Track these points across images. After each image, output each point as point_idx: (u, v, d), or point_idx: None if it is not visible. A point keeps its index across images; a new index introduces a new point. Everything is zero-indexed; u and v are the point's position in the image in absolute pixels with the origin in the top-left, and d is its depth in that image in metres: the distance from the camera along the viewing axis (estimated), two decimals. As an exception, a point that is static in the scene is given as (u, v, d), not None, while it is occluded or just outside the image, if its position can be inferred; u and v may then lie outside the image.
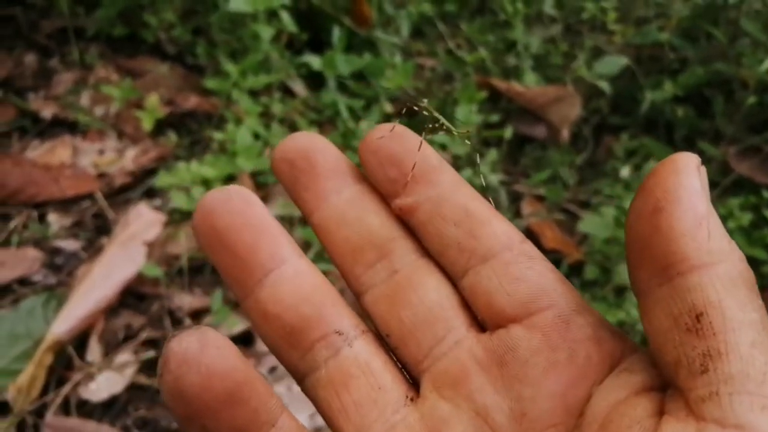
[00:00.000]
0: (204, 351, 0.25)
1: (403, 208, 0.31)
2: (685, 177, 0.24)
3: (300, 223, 1.19)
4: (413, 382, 0.31)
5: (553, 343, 0.28)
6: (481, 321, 0.30)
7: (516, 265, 0.29)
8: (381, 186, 0.32)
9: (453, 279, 0.31)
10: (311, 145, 0.33)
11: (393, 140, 0.32)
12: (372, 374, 0.29)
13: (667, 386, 0.25)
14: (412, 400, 0.29)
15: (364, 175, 0.33)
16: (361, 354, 0.30)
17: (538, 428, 0.27)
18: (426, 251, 0.32)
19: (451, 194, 0.31)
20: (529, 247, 0.30)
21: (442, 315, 0.30)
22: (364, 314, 0.32)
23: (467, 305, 0.31)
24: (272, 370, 1.00)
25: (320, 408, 0.29)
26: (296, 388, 0.98)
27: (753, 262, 1.13)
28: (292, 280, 0.30)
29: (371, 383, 0.29)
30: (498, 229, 0.30)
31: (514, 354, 0.28)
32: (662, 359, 0.25)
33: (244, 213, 0.30)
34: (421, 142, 0.33)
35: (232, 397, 0.25)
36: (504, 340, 0.29)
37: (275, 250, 0.30)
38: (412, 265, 0.31)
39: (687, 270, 0.24)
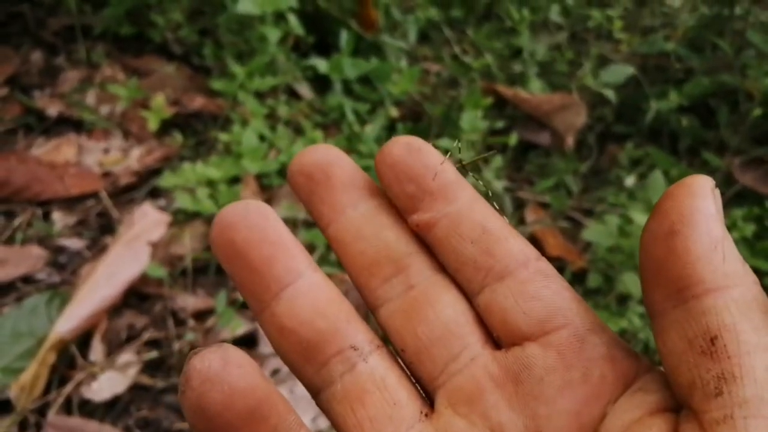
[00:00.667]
0: (226, 369, 0.25)
1: (420, 224, 0.32)
2: (701, 200, 0.25)
3: (303, 225, 1.20)
4: (428, 398, 0.31)
5: (568, 362, 0.28)
6: (496, 338, 0.31)
7: (532, 283, 0.30)
8: (397, 200, 0.32)
9: (468, 295, 0.31)
10: (328, 158, 0.33)
11: (410, 154, 0.32)
12: (387, 389, 0.30)
13: (681, 407, 0.25)
14: (426, 416, 0.30)
15: (380, 189, 0.33)
16: (376, 369, 0.30)
17: None
18: (442, 267, 0.32)
19: (468, 211, 0.31)
20: (545, 264, 0.30)
21: (457, 331, 0.30)
22: (378, 328, 0.32)
23: (482, 322, 0.31)
24: (275, 372, 1.00)
25: (335, 423, 0.29)
26: (298, 391, 0.98)
27: (756, 273, 1.13)
28: (308, 294, 0.30)
29: (386, 398, 0.29)
30: (514, 247, 0.30)
31: (530, 372, 0.28)
32: (676, 380, 0.25)
33: (261, 227, 0.30)
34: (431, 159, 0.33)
35: (253, 415, 0.25)
36: (519, 357, 0.29)
37: (291, 265, 0.30)
38: (428, 281, 0.32)
39: (702, 293, 0.24)
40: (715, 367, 0.23)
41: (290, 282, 0.30)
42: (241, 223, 0.29)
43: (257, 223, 0.30)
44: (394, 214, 0.33)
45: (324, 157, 0.33)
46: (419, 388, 0.31)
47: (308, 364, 0.30)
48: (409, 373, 0.31)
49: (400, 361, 0.32)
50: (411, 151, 0.32)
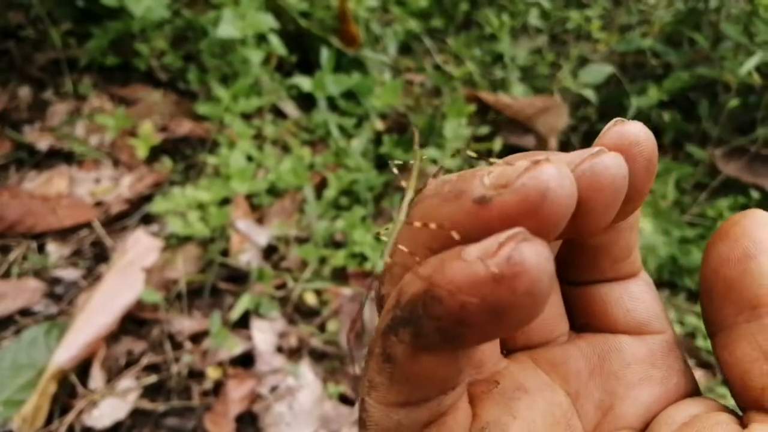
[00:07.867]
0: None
1: None
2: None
3: (296, 241, 1.21)
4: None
5: (655, 361, 0.31)
6: (583, 325, 0.33)
7: (637, 285, 0.32)
8: None
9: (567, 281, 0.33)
10: None
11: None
12: None
13: (745, 409, 0.28)
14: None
15: None
16: None
17: (616, 426, 0.30)
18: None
19: None
20: (647, 276, 0.33)
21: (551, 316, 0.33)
22: None
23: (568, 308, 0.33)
24: (273, 389, 1.01)
25: None
26: (297, 407, 0.99)
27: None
28: None
29: None
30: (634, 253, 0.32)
31: (619, 355, 0.31)
32: (746, 384, 0.28)
33: None
34: None
35: None
36: (611, 341, 0.32)
37: None
38: None
39: None
40: None
41: None
42: None
43: None
44: None
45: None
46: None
47: None
48: None
49: None
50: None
